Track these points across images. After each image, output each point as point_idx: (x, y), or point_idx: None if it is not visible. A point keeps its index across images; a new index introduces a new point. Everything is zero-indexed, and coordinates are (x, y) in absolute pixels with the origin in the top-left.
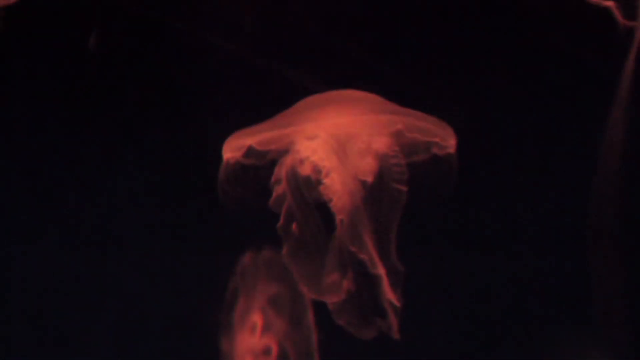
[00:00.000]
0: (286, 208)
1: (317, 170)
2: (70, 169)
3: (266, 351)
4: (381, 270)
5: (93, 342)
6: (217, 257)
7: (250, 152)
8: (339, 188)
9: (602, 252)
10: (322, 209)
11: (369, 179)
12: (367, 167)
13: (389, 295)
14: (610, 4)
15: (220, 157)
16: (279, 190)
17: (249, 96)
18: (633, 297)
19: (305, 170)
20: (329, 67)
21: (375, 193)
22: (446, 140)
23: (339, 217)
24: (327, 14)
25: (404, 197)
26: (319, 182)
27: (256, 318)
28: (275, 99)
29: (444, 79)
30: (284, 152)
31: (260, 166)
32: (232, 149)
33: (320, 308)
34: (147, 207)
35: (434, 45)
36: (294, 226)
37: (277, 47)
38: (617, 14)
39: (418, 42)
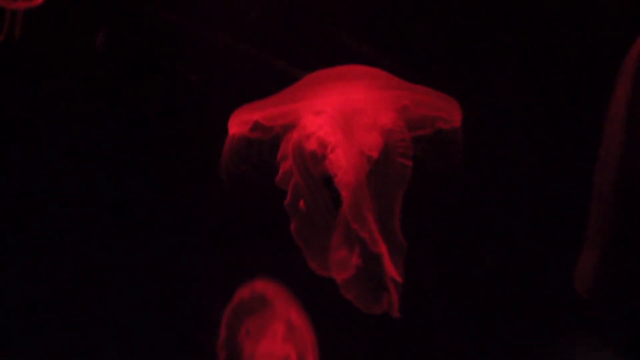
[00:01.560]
0: (293, 185)
1: (323, 145)
2: (76, 164)
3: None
4: (382, 248)
5: (94, 342)
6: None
7: (256, 126)
8: (344, 163)
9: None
10: (329, 185)
11: (375, 154)
12: (372, 142)
13: (391, 272)
14: None
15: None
16: (285, 166)
17: (255, 93)
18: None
19: (311, 145)
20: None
21: (380, 168)
22: (452, 114)
23: (343, 193)
24: (331, 9)
25: (409, 172)
26: (324, 158)
27: (278, 326)
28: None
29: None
30: (290, 127)
31: (265, 141)
32: (238, 124)
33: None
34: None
35: (438, 20)
36: (301, 203)
37: (282, 44)
38: None
39: (424, 16)
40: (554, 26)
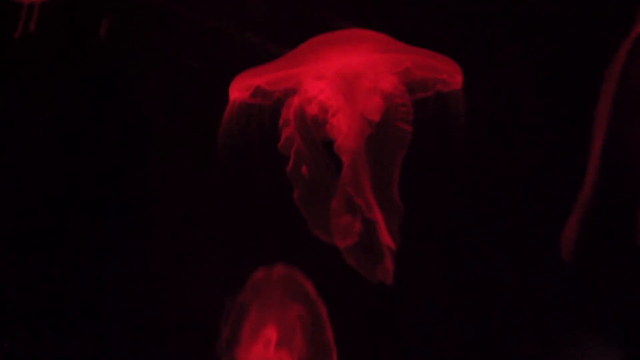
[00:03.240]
0: (295, 150)
1: (324, 109)
2: (79, 155)
3: None
4: (377, 215)
5: (93, 343)
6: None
7: (257, 92)
8: (345, 127)
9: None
10: (332, 150)
11: (376, 117)
12: (374, 106)
13: (385, 239)
14: None
15: None
16: (287, 132)
17: None
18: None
19: (312, 110)
20: None
21: (380, 133)
22: (453, 76)
23: (342, 158)
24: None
25: (409, 137)
26: (325, 122)
27: (271, 332)
28: None
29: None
30: (291, 92)
31: (266, 107)
32: (240, 89)
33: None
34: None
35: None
36: (303, 169)
37: (287, 34)
38: None
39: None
40: None
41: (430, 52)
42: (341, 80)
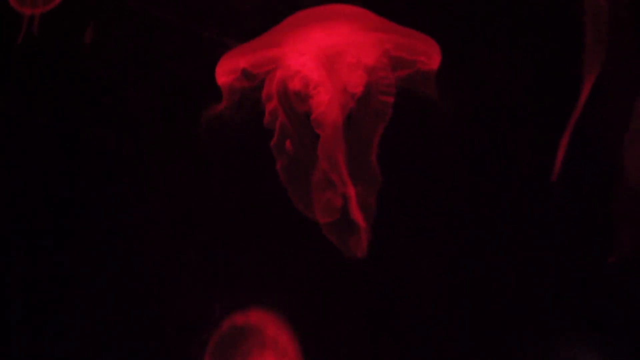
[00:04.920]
0: (279, 125)
1: (306, 84)
2: (70, 157)
3: None
4: (351, 191)
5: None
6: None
7: (242, 74)
8: (326, 102)
9: None
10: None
11: (358, 90)
12: (356, 80)
13: (357, 216)
14: None
15: None
16: (270, 106)
17: None
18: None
19: (295, 84)
20: None
21: (361, 106)
22: (431, 57)
23: (320, 132)
24: None
25: (389, 110)
26: (308, 96)
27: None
28: None
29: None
30: (274, 68)
31: (251, 88)
32: (226, 73)
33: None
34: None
35: None
36: (287, 143)
37: None
38: None
39: None
40: None
41: (410, 31)
42: (323, 56)
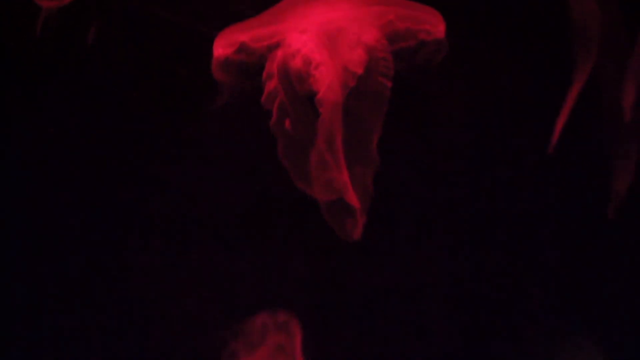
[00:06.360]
0: (278, 104)
1: (307, 62)
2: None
3: None
4: (344, 173)
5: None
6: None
7: (241, 48)
8: (327, 81)
9: None
10: (315, 104)
11: (359, 70)
12: (357, 58)
13: (351, 198)
14: None
15: None
16: (270, 85)
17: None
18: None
19: (296, 63)
20: None
21: (360, 86)
22: (435, 26)
23: (321, 111)
24: None
25: (388, 91)
26: (309, 75)
27: None
28: None
29: None
30: (274, 47)
31: (249, 63)
32: (224, 46)
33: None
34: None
35: None
36: (286, 122)
37: None
38: None
39: None
40: None
41: (412, 3)
42: (324, 34)
